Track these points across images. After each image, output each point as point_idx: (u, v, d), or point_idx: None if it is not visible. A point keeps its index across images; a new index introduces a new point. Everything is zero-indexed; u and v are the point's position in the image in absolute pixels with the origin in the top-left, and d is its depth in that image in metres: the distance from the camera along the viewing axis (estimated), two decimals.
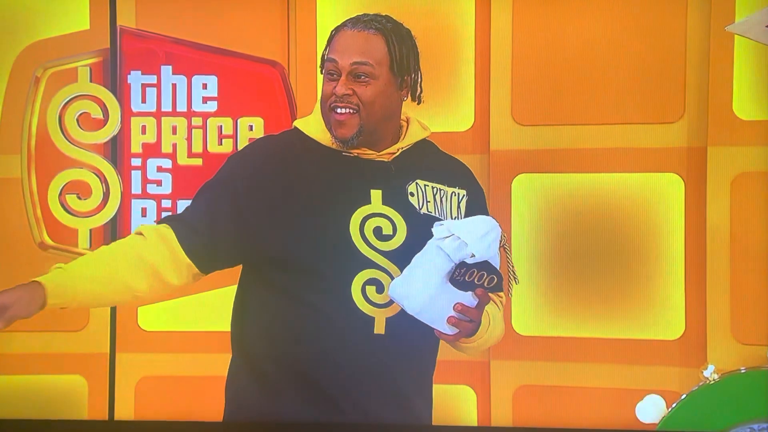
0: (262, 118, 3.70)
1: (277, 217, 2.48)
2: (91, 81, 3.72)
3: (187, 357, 3.74)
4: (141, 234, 2.51)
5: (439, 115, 3.61)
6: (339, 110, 2.50)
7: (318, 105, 2.57)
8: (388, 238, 2.52)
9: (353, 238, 2.49)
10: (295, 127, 2.60)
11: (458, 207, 2.63)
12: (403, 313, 2.45)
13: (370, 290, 2.49)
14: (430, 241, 2.43)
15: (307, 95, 3.73)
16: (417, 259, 2.43)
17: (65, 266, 2.46)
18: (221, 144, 3.65)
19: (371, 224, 2.51)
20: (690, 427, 3.20)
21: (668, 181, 3.47)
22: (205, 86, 3.62)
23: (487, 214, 2.62)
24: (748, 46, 3.24)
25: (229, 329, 3.41)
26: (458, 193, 2.64)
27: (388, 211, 2.53)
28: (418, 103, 2.55)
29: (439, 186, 2.61)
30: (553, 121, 3.63)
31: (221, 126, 3.64)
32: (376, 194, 2.53)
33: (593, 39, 3.49)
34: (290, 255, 2.48)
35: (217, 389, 3.51)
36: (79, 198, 3.75)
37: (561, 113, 3.61)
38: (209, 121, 3.64)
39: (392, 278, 2.48)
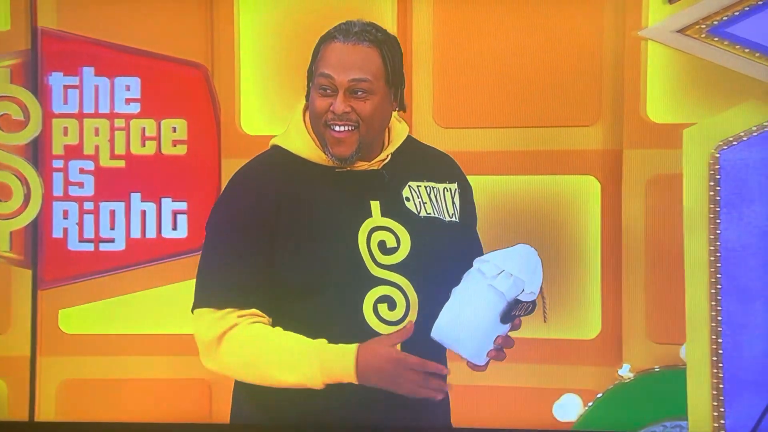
0: (185, 119, 3.71)
1: (287, 247, 2.42)
2: (11, 82, 3.71)
3: (108, 360, 3.76)
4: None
5: None
6: (337, 128, 2.43)
7: (298, 119, 2.51)
8: (393, 251, 2.48)
9: (363, 256, 2.45)
10: (276, 146, 2.53)
11: (453, 202, 2.60)
12: (415, 330, 2.43)
13: (382, 308, 2.46)
14: (476, 278, 2.38)
15: (229, 97, 3.75)
16: (462, 296, 2.38)
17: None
18: (144, 146, 3.67)
19: (375, 238, 2.47)
20: (606, 425, 3.29)
21: (585, 183, 3.54)
22: (128, 88, 3.64)
23: (474, 205, 2.62)
24: (659, 51, 3.32)
25: (151, 332, 3.44)
26: (450, 188, 2.61)
27: (389, 222, 2.49)
28: (405, 111, 2.52)
29: (431, 184, 2.58)
30: (473, 124, 3.70)
31: (144, 128, 3.65)
32: (375, 206, 2.49)
33: (513, 45, 3.54)
34: (301, 282, 2.43)
35: (139, 390, 3.53)
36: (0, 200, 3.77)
37: (481, 116, 3.67)
38: (132, 122, 3.66)
39: (402, 292, 2.44)
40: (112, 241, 3.69)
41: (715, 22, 3.23)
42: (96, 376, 3.74)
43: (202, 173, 3.77)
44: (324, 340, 2.39)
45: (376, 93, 2.42)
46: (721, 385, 3.17)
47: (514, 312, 2.37)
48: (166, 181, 3.73)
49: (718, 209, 3.25)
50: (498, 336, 2.30)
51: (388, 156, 2.47)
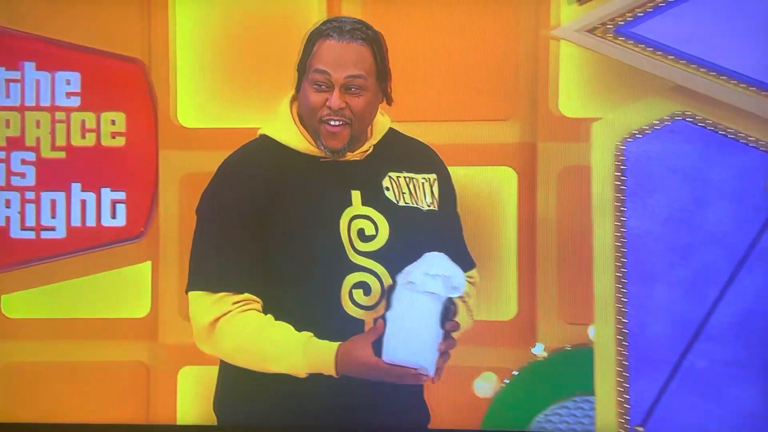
0: (124, 112, 3.78)
1: (277, 234, 2.48)
2: None
3: (50, 344, 3.81)
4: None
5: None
6: (333, 122, 2.50)
7: (285, 110, 2.57)
8: (371, 238, 2.54)
9: (343, 243, 2.51)
10: (264, 135, 2.58)
11: (431, 192, 2.67)
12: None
13: (357, 294, 2.52)
14: (407, 293, 2.40)
15: (166, 91, 3.83)
16: (401, 314, 2.40)
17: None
18: (84, 138, 3.74)
19: (355, 226, 2.53)
20: (520, 400, 3.44)
21: (503, 173, 3.68)
22: (68, 82, 3.70)
23: (454, 191, 2.71)
24: (570, 50, 3.44)
25: (91, 316, 3.53)
26: (428, 178, 2.68)
27: (369, 211, 2.55)
28: (391, 105, 2.63)
29: (410, 175, 2.64)
30: (399, 118, 3.82)
31: (84, 120, 3.72)
32: (356, 195, 2.55)
33: (437, 44, 3.66)
34: (289, 267, 2.49)
35: (79, 372, 3.64)
36: None
37: (406, 111, 3.79)
38: (72, 115, 3.72)
39: (378, 278, 2.51)
40: (53, 229, 3.76)
41: (620, 23, 3.33)
42: (38, 359, 3.80)
43: (140, 164, 3.85)
44: (310, 334, 2.46)
45: (369, 89, 2.51)
46: (625, 362, 3.28)
47: (449, 314, 2.45)
48: (106, 171, 3.79)
49: (624, 198, 3.34)
50: (440, 343, 2.38)
51: (370, 147, 2.56)
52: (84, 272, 3.79)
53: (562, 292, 3.65)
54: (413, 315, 2.40)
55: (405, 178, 2.59)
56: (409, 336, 2.40)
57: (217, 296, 2.49)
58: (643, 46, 3.31)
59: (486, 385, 3.62)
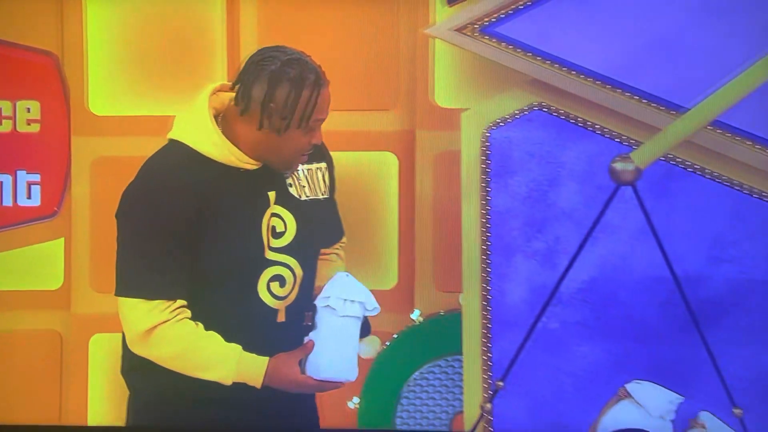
0: (38, 101, 3.99)
1: (204, 240, 2.51)
2: None
3: None
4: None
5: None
6: (306, 156, 2.58)
7: (208, 124, 2.54)
8: (281, 234, 2.59)
9: (262, 241, 2.57)
10: (178, 143, 2.57)
11: (323, 180, 2.75)
12: (298, 301, 2.61)
13: (274, 286, 2.60)
14: (329, 317, 2.53)
15: (78, 81, 4.00)
16: (327, 336, 2.53)
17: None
18: (1, 124, 3.96)
19: (269, 225, 2.59)
20: (400, 359, 3.66)
21: (385, 158, 3.92)
22: None
23: (335, 178, 2.78)
24: (444, 46, 3.64)
25: (14, 288, 3.76)
26: (321, 167, 2.75)
27: (279, 209, 2.59)
28: None
29: (306, 166, 2.69)
30: None
31: (1, 108, 3.94)
32: (272, 195, 2.59)
33: (328, 41, 3.88)
34: (215, 272, 2.54)
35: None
36: None
37: None
38: None
39: (291, 270, 2.59)
40: None
41: (486, 23, 3.49)
42: None
43: (53, 149, 4.04)
44: (239, 347, 2.53)
45: None
46: (489, 325, 3.51)
47: (366, 330, 2.64)
48: (21, 155, 3.99)
49: (488, 179, 3.51)
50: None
51: None
52: (2, 248, 3.98)
53: (437, 263, 3.86)
54: (337, 336, 2.54)
55: (303, 170, 2.68)
56: (335, 354, 2.55)
57: (153, 304, 2.52)
58: (505, 44, 3.50)
59: (369, 347, 3.80)
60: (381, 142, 3.91)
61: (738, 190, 3.36)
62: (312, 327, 2.57)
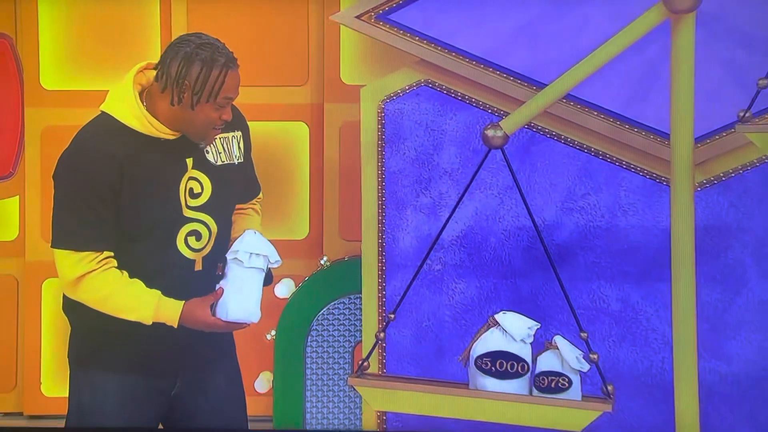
0: None
1: (127, 201, 2.63)
2: None
3: None
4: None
5: None
6: (219, 128, 2.68)
7: (131, 99, 2.64)
8: (198, 195, 2.70)
9: (180, 201, 2.67)
10: (107, 114, 2.66)
11: (239, 147, 2.82)
12: (213, 252, 2.74)
13: (191, 240, 2.72)
14: (238, 268, 2.68)
15: (32, 60, 4.34)
16: (235, 285, 2.68)
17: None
18: None
19: (187, 187, 2.70)
20: (310, 297, 3.91)
21: (298, 127, 4.27)
22: None
23: (251, 143, 2.88)
24: (349, 31, 3.85)
25: None
26: (236, 135, 2.83)
27: (196, 173, 2.70)
28: None
29: (222, 135, 2.77)
30: None
31: None
32: (189, 162, 2.70)
33: (247, 29, 4.21)
34: (137, 228, 2.65)
35: None
36: None
37: None
38: None
39: (206, 226, 2.70)
40: None
41: (380, 11, 3.65)
42: None
43: (8, 118, 4.42)
44: (158, 292, 2.66)
45: None
46: (384, 268, 3.72)
47: (269, 279, 2.80)
48: None
49: (384, 144, 3.71)
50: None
51: None
52: None
53: (342, 217, 4.21)
54: (248, 285, 2.70)
55: (219, 139, 2.78)
56: (242, 299, 2.70)
57: (82, 255, 2.62)
58: (397, 29, 3.67)
59: (284, 288, 4.18)
60: (294, 114, 4.24)
61: (586, 152, 3.61)
62: (223, 276, 2.73)
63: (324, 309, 4.07)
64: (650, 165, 3.61)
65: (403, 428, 3.76)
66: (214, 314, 2.71)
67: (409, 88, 3.74)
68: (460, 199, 3.04)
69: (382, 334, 3.06)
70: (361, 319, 3.83)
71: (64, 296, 2.81)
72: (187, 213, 2.72)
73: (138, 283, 2.68)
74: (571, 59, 3.13)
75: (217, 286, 2.73)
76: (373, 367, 3.66)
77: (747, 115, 3.01)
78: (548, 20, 3.64)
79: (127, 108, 2.65)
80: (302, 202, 4.32)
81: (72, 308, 2.79)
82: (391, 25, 3.70)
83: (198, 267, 2.77)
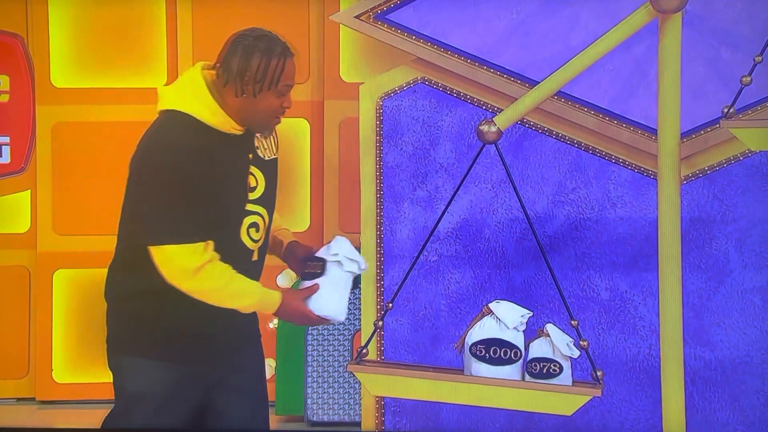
0: (8, 75, 4.45)
1: (208, 196, 2.65)
2: None
3: None
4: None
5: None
6: (280, 118, 2.74)
7: (207, 94, 2.65)
8: (254, 189, 2.75)
9: (245, 196, 2.73)
10: (180, 113, 2.66)
11: (275, 142, 2.87)
12: (264, 244, 2.78)
13: (252, 231, 2.76)
14: (337, 270, 2.78)
15: (43, 58, 4.42)
16: (332, 285, 2.78)
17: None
18: None
19: (248, 180, 2.75)
20: None
21: (299, 124, 4.37)
22: None
23: None
24: (348, 30, 3.93)
25: None
26: (273, 131, 2.87)
27: (253, 168, 2.75)
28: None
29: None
30: None
31: None
32: (250, 157, 2.76)
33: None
34: (213, 222, 2.67)
35: None
36: None
37: None
38: None
39: (262, 218, 2.75)
40: None
41: (378, 11, 3.71)
42: None
43: (20, 115, 4.53)
44: (258, 283, 2.74)
45: None
46: (382, 258, 3.78)
47: (357, 282, 2.98)
48: None
49: (382, 139, 3.77)
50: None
51: None
52: None
53: (341, 209, 4.29)
54: (339, 285, 2.79)
55: (264, 136, 2.82)
56: (336, 299, 2.79)
57: (194, 246, 2.63)
58: (394, 29, 3.73)
59: (285, 279, 4.27)
60: (295, 110, 4.06)
61: (576, 147, 3.70)
62: (317, 274, 2.81)
63: None
64: (638, 159, 3.69)
65: (400, 411, 3.82)
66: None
67: (406, 86, 3.81)
68: (455, 192, 3.09)
69: (380, 323, 3.10)
70: (360, 308, 3.88)
71: (109, 284, 2.85)
72: (248, 206, 2.78)
73: (243, 278, 2.74)
74: (562, 57, 3.20)
75: (309, 283, 2.83)
76: (372, 354, 3.70)
77: (731, 111, 3.08)
78: (540, 19, 3.71)
79: (202, 104, 2.69)
80: (303, 195, 4.41)
81: (120, 296, 2.82)
82: (389, 24, 3.77)
83: (255, 257, 2.83)
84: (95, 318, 4.38)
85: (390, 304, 3.06)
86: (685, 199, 3.59)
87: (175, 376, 2.74)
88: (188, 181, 2.62)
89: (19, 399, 4.64)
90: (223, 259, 2.70)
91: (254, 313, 2.81)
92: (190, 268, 2.64)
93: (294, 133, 4.37)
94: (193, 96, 2.69)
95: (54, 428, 4.33)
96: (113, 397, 2.79)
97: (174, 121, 2.68)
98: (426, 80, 3.81)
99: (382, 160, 3.82)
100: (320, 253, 2.86)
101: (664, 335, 3.19)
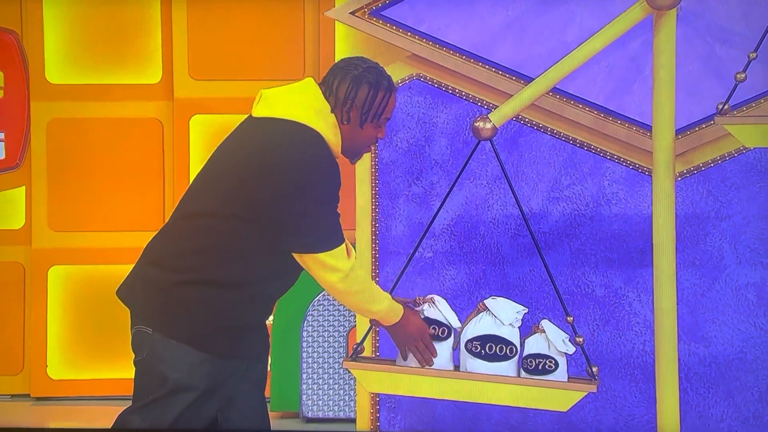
0: (2, 72, 4.50)
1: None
2: None
3: None
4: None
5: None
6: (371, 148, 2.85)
7: (335, 125, 2.71)
8: None
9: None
10: (317, 132, 2.69)
11: None
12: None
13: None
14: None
15: (38, 55, 4.46)
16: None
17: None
18: None
19: None
20: (302, 289, 3.71)
21: None
22: None
23: None
24: (343, 26, 3.84)
25: None
26: None
27: None
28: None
29: None
30: (218, 77, 4.52)
31: None
32: None
33: (248, 26, 4.36)
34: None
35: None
36: None
37: (224, 70, 4.51)
38: None
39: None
40: None
41: (373, 7, 3.74)
42: None
43: (15, 111, 4.56)
44: (389, 294, 2.84)
45: None
46: (377, 255, 3.80)
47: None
48: None
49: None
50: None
51: None
52: None
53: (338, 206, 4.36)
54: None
55: None
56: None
57: (342, 249, 2.71)
58: (389, 25, 3.75)
59: None
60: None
61: (572, 143, 3.72)
62: (442, 338, 2.91)
63: (320, 295, 4.15)
64: (633, 156, 3.71)
65: (395, 408, 3.83)
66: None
67: (401, 82, 3.83)
68: (450, 189, 3.11)
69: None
70: None
71: (171, 269, 2.74)
72: None
73: (376, 286, 2.84)
74: (557, 54, 3.22)
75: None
76: (368, 350, 3.73)
77: (725, 107, 3.12)
78: (535, 16, 3.74)
79: (326, 124, 2.74)
80: None
81: (186, 282, 2.73)
82: (384, 21, 3.80)
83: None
84: (90, 314, 4.58)
85: None
86: (679, 196, 3.62)
87: (218, 370, 2.72)
88: (335, 194, 2.74)
89: (13, 395, 4.66)
90: (296, 271, 2.76)
91: None
92: (347, 268, 2.71)
93: None
94: (317, 114, 2.72)
95: (48, 428, 4.33)
96: (115, 388, 2.77)
97: (318, 139, 2.71)
98: (421, 77, 3.83)
99: (377, 156, 3.84)
100: (433, 314, 2.94)
101: (658, 331, 3.20)
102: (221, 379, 2.74)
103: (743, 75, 3.05)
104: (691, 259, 3.69)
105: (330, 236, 2.71)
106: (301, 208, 2.67)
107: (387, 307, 2.81)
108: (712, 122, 3.50)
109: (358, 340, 3.08)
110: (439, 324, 2.91)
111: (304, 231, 2.69)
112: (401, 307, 2.85)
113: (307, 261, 2.70)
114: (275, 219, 2.67)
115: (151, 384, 2.71)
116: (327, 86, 2.77)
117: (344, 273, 2.71)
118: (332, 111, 2.74)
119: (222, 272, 2.69)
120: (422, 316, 2.93)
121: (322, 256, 2.68)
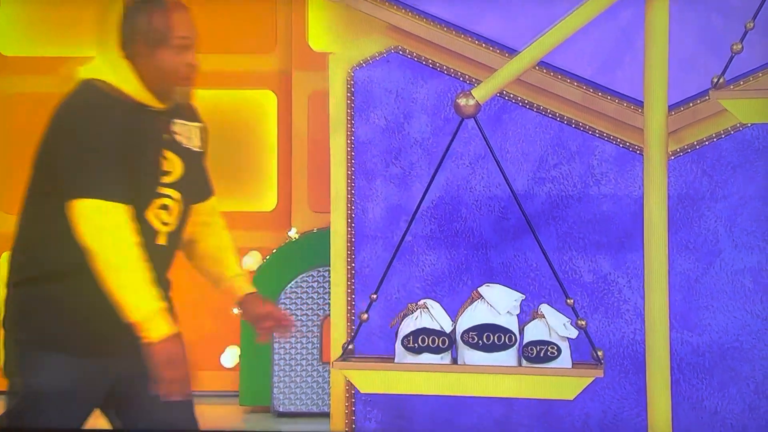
0: None
1: (124, 167, 2.62)
2: None
3: None
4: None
5: None
6: (191, 78, 2.69)
7: (125, 66, 2.64)
8: (169, 173, 2.71)
9: (158, 175, 2.69)
10: (102, 81, 2.65)
11: (198, 137, 2.82)
12: (177, 230, 2.72)
13: (162, 213, 2.70)
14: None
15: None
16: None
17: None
18: None
19: (162, 162, 2.71)
20: (279, 270, 3.97)
21: (266, 96, 4.38)
22: None
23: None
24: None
25: None
26: (197, 126, 2.83)
27: (169, 152, 2.70)
28: None
29: (184, 123, 2.78)
30: None
31: None
32: (166, 138, 2.72)
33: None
34: (129, 192, 2.62)
35: None
36: None
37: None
38: None
39: (176, 203, 2.71)
40: None
41: None
42: None
43: None
44: (160, 300, 2.57)
45: None
46: (353, 240, 3.74)
47: None
48: None
49: (353, 113, 3.74)
50: None
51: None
52: None
53: (310, 188, 4.28)
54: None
55: (184, 125, 2.79)
56: None
57: (110, 205, 2.57)
58: None
59: (251, 260, 4.26)
60: (262, 81, 4.31)
61: (559, 120, 3.66)
62: (443, 349, 2.74)
63: (292, 282, 4.10)
64: (623, 134, 3.64)
65: (370, 401, 3.76)
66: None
67: (378, 55, 3.78)
68: (435, 172, 2.93)
69: (365, 315, 2.92)
70: (329, 292, 3.82)
71: (11, 269, 2.73)
72: (160, 189, 2.73)
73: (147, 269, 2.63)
74: (543, 25, 3.05)
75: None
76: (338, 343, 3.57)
77: (721, 81, 2.98)
78: None
79: (116, 71, 2.69)
80: (270, 173, 4.41)
81: (24, 280, 2.71)
82: None
83: (161, 241, 2.74)
84: None
85: (374, 296, 2.88)
86: (672, 176, 3.52)
87: (82, 372, 2.64)
88: (107, 143, 2.61)
89: None
90: None
91: None
92: (105, 226, 2.56)
93: (259, 105, 4.36)
94: (104, 63, 2.71)
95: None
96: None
97: (92, 87, 2.67)
98: (400, 50, 3.77)
99: (353, 134, 3.79)
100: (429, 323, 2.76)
101: (649, 319, 3.06)
102: (89, 382, 2.66)
103: (740, 46, 2.92)
104: (685, 242, 3.61)
105: (86, 184, 2.58)
106: (53, 154, 2.64)
107: (148, 315, 2.55)
108: (706, 97, 3.41)
109: (335, 331, 3.08)
110: (438, 334, 2.75)
111: (61, 174, 2.62)
112: (168, 327, 2.56)
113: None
114: (51, 172, 2.65)
115: (10, 395, 2.68)
116: (118, 32, 2.72)
117: (95, 230, 2.55)
118: (125, 57, 2.68)
119: (54, 258, 2.65)
120: (418, 327, 2.77)
121: (74, 203, 2.57)
